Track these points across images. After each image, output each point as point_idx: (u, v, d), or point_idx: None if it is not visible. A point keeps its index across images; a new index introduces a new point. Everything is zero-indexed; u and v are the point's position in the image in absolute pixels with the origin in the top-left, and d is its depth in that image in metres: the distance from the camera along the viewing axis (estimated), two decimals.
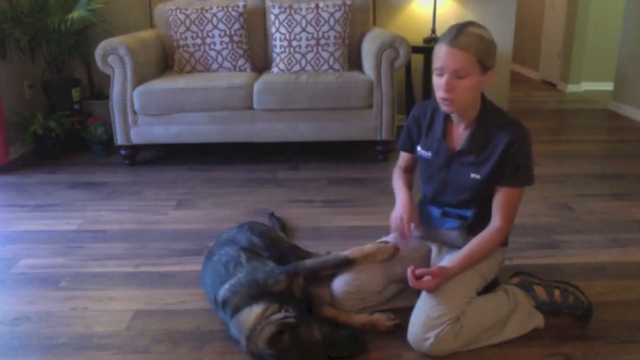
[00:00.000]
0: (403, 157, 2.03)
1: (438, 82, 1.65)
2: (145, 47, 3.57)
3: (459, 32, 1.61)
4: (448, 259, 1.80)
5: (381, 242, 1.89)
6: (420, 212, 1.92)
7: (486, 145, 1.73)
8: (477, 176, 1.75)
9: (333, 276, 1.85)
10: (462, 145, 1.76)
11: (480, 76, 1.65)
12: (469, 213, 1.80)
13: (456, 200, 1.82)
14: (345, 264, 1.83)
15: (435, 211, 1.86)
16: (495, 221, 1.74)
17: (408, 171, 2.04)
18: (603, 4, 5.84)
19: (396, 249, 1.85)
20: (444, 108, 1.70)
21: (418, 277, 1.68)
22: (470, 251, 1.72)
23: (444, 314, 1.62)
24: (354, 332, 1.67)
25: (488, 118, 1.74)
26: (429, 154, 1.85)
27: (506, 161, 1.70)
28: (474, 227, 1.79)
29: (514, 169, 1.71)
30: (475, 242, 1.74)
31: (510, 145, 1.69)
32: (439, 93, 1.67)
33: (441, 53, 1.62)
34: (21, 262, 2.32)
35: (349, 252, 1.85)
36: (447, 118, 1.81)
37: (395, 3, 4.32)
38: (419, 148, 1.89)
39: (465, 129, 1.76)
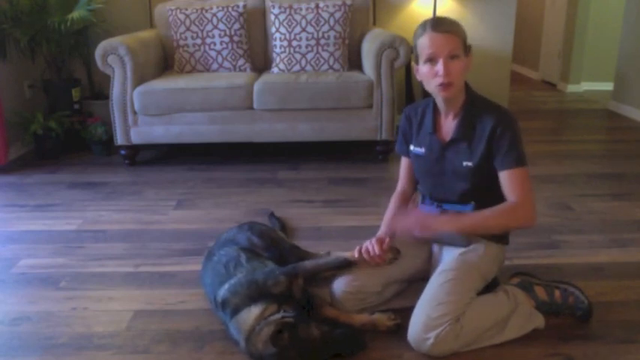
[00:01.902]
0: (404, 167, 2.00)
1: (431, 70, 1.68)
2: (145, 47, 3.57)
3: (438, 20, 1.70)
4: (448, 259, 1.80)
5: None
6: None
7: (474, 130, 1.75)
8: (470, 163, 1.76)
9: (333, 277, 1.85)
10: (452, 134, 1.78)
11: (465, 58, 1.70)
12: (468, 210, 1.80)
13: (453, 194, 1.82)
14: (345, 266, 1.83)
15: (434, 211, 1.86)
16: (510, 199, 1.71)
17: (408, 194, 1.99)
18: (603, 4, 5.84)
19: (397, 252, 1.85)
20: (443, 94, 1.71)
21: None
22: (483, 215, 1.71)
23: (444, 314, 1.62)
24: (352, 330, 1.68)
25: (473, 105, 1.77)
26: (422, 150, 1.87)
27: (495, 145, 1.71)
28: None
29: (504, 152, 1.71)
30: (489, 210, 1.71)
31: (495, 128, 1.71)
32: (436, 80, 1.68)
33: (430, 41, 1.66)
34: (21, 262, 2.32)
35: (350, 254, 1.84)
36: (435, 112, 1.83)
37: (395, 3, 4.32)
38: (412, 147, 1.90)
39: (454, 118, 1.79)
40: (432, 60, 1.67)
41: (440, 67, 1.66)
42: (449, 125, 1.80)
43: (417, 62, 1.76)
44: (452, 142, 1.78)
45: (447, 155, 1.80)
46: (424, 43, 1.68)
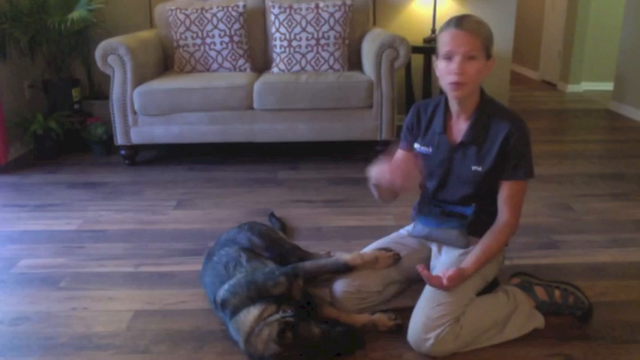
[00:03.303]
0: (396, 161, 1.90)
1: (447, 67, 1.65)
2: (145, 47, 3.57)
3: (464, 18, 1.65)
4: (447, 260, 1.80)
5: (382, 249, 1.88)
6: (419, 212, 1.92)
7: (486, 135, 1.73)
8: (479, 168, 1.74)
9: (332, 278, 1.85)
10: (463, 137, 1.76)
11: (484, 62, 1.67)
12: (469, 211, 1.79)
13: (456, 196, 1.81)
14: (344, 269, 1.82)
15: (435, 211, 1.86)
16: (502, 216, 1.75)
17: None
18: (603, 4, 5.84)
19: (397, 256, 1.85)
20: (454, 93, 1.68)
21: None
22: (482, 249, 1.72)
23: (444, 315, 1.62)
24: (351, 328, 1.68)
25: (487, 109, 1.75)
26: (429, 149, 1.84)
27: (506, 154, 1.71)
28: (474, 226, 1.79)
29: (516, 163, 1.71)
30: (486, 240, 1.74)
31: (509, 136, 1.69)
32: (449, 78, 1.66)
33: (450, 37, 1.64)
34: (21, 262, 2.32)
35: (350, 257, 1.84)
36: (446, 112, 1.81)
37: (395, 3, 4.32)
38: (417, 146, 1.87)
39: (466, 121, 1.77)
40: (449, 57, 1.65)
41: (454, 65, 1.63)
42: (460, 127, 1.78)
43: (437, 57, 1.73)
44: (461, 144, 1.77)
45: (454, 158, 1.79)
46: (445, 39, 1.65)
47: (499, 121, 1.72)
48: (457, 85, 1.65)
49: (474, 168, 1.75)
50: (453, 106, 1.78)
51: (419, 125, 1.88)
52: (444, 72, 1.67)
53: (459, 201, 1.82)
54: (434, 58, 1.76)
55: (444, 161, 1.81)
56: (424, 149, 1.85)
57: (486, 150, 1.73)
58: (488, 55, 1.68)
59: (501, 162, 1.72)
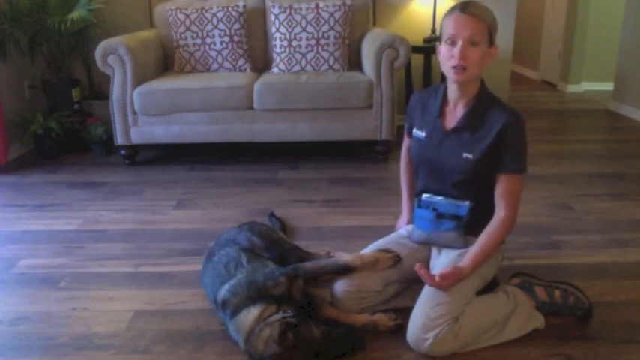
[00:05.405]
0: (407, 141, 2.04)
1: (449, 51, 1.66)
2: (145, 47, 3.57)
3: (469, 3, 1.67)
4: (446, 259, 1.80)
5: (382, 250, 1.88)
6: (414, 217, 1.92)
7: (482, 123, 1.73)
8: (470, 156, 1.74)
9: (332, 278, 1.85)
10: (457, 122, 1.77)
11: (487, 48, 1.68)
12: (463, 212, 1.79)
13: (447, 185, 1.80)
14: (344, 270, 1.82)
15: (429, 214, 1.85)
16: (500, 211, 1.74)
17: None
18: (603, 4, 5.84)
19: (397, 258, 1.85)
20: (455, 77, 1.69)
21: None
22: (481, 246, 1.72)
23: (442, 314, 1.62)
24: (352, 330, 1.68)
25: (485, 99, 1.75)
26: (423, 134, 1.85)
27: (501, 146, 1.71)
28: (470, 226, 1.79)
29: (512, 156, 1.71)
30: (483, 237, 1.74)
31: (506, 128, 1.69)
32: (451, 62, 1.67)
33: (454, 21, 1.65)
34: (21, 262, 2.32)
35: (350, 258, 1.84)
36: (444, 99, 1.81)
37: (395, 3, 4.32)
38: (415, 130, 1.89)
39: (463, 108, 1.77)
40: (452, 41, 1.66)
41: (457, 49, 1.64)
42: (456, 114, 1.79)
43: (440, 42, 1.73)
44: (455, 130, 1.77)
45: (447, 143, 1.79)
46: (449, 24, 1.66)
47: (496, 112, 1.72)
48: (459, 68, 1.66)
49: (465, 155, 1.75)
50: (452, 93, 1.78)
51: (416, 110, 1.91)
52: (446, 56, 1.68)
53: (450, 189, 1.81)
54: (437, 44, 1.77)
55: (437, 147, 1.81)
56: (419, 133, 1.87)
57: (480, 138, 1.73)
58: (491, 42, 1.69)
59: (493, 152, 1.72)
